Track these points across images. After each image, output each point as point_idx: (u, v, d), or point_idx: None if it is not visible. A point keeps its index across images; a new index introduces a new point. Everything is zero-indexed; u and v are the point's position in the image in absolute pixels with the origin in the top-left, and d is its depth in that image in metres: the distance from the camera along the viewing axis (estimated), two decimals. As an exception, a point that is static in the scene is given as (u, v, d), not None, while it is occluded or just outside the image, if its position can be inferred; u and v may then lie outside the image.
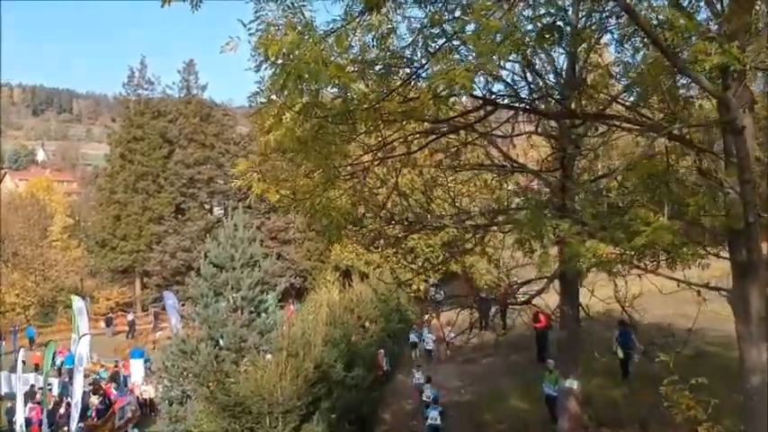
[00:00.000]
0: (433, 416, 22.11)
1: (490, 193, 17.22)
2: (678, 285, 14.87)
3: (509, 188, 16.49)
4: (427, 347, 33.25)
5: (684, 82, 10.54)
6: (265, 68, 7.88)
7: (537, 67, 11.15)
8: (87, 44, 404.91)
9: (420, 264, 42.27)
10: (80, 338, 35.09)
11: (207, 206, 74.03)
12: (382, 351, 28.16)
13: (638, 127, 9.90)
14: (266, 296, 26.90)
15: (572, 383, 17.69)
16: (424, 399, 24.00)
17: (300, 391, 17.41)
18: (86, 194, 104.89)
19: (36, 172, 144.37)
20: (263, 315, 26.28)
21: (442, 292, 46.31)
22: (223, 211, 64.50)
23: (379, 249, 43.60)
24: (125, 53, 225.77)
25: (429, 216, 16.06)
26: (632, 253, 10.08)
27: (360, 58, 8.27)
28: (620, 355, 22.42)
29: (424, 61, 8.02)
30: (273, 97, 8.24)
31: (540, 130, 15.69)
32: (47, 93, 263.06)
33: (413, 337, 33.62)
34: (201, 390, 17.92)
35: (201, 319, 25.61)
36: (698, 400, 9.96)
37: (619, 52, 11.10)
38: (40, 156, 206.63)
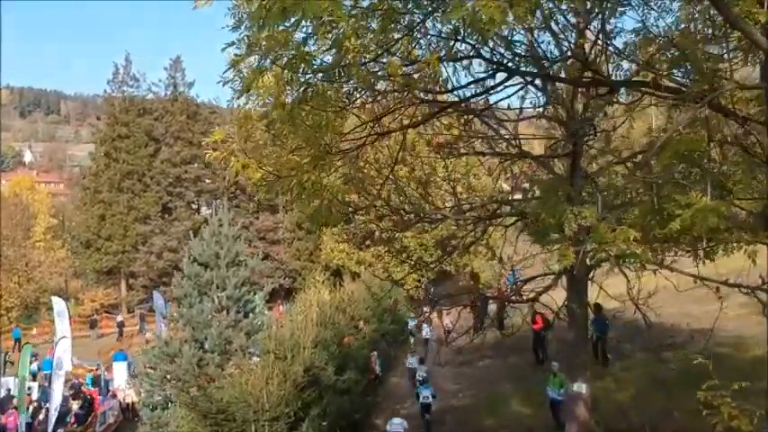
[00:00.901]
0: (425, 394, 23.27)
1: (493, 182, 16.02)
2: (695, 282, 13.86)
3: (515, 174, 15.28)
4: (425, 336, 34.27)
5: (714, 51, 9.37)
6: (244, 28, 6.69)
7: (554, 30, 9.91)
8: (76, 45, 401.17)
9: (413, 263, 40.91)
10: (58, 341, 33.69)
11: (194, 206, 72.81)
12: (375, 353, 26.92)
13: (672, 95, 8.66)
14: (253, 296, 25.59)
15: (580, 387, 16.51)
16: (418, 378, 25.77)
17: (289, 396, 16.09)
18: (73, 195, 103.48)
19: (23, 173, 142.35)
20: (250, 315, 24.95)
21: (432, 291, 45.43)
22: (211, 211, 63.42)
23: (372, 246, 42.60)
24: (118, 53, 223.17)
25: (427, 207, 14.88)
26: (666, 242, 8.91)
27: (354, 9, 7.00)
28: (594, 339, 22.80)
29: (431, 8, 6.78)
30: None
31: (547, 114, 14.57)
32: (35, 94, 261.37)
33: (411, 324, 33.89)
34: (182, 395, 16.56)
35: (185, 319, 24.27)
36: (741, 409, 8.67)
37: (642, 17, 9.91)
38: (28, 157, 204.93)
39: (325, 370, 19.74)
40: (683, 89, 8.65)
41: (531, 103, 14.55)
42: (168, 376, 23.52)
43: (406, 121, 11.79)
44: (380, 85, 8.91)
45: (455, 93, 9.20)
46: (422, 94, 9.32)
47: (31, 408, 30.79)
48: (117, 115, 67.14)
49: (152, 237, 66.24)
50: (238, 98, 7.89)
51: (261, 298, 30.49)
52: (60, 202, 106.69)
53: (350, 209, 8.92)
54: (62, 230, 77.34)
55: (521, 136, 14.89)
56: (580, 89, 12.98)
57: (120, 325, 56.51)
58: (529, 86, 13.35)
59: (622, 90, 11.21)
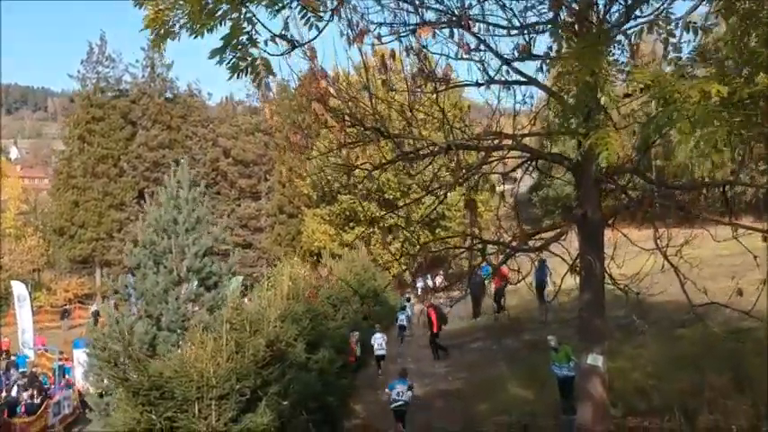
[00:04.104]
0: (401, 318, 32.17)
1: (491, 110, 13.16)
2: (735, 231, 11.82)
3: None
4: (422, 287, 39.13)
5: None
6: None
7: None
8: (63, 43, 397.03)
9: (400, 244, 38.26)
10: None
11: (172, 192, 70.12)
12: (356, 333, 24.11)
13: None
14: (217, 268, 22.66)
15: (596, 360, 13.69)
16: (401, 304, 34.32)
17: (242, 371, 13.20)
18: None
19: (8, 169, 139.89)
20: (213, 290, 22.02)
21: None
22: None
23: (356, 226, 40.11)
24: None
25: (412, 132, 12.08)
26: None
27: None
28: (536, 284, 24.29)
29: None
30: None
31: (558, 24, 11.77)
32: (21, 91, 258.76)
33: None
34: (109, 367, 13.64)
35: (138, 293, 21.38)
36: None
37: None
38: (14, 154, 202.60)
39: (294, 346, 16.85)
40: None
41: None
42: (119, 357, 20.64)
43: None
44: None
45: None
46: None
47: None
48: (90, 96, 64.35)
49: (128, 224, 63.47)
50: None
51: (237, 281, 27.87)
52: (44, 197, 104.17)
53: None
54: (35, 218, 74.35)
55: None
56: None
57: (96, 314, 53.89)
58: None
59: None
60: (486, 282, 29.64)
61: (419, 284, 38.76)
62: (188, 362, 13.03)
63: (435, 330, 25.80)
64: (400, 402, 17.93)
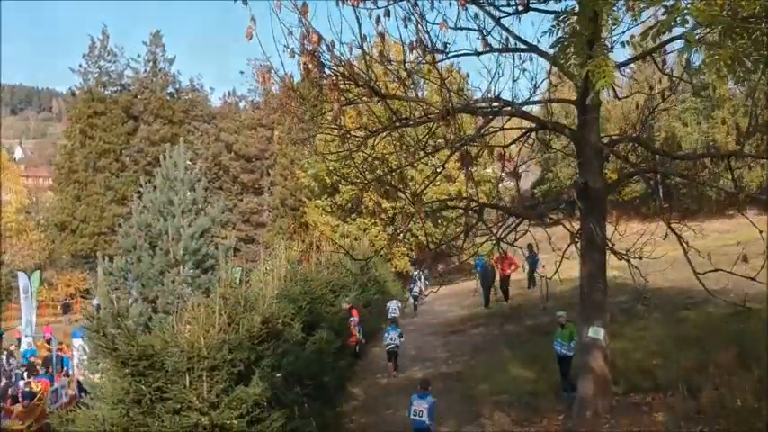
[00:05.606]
0: (415, 290, 36.90)
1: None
2: (742, 201, 11.69)
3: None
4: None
5: None
6: None
7: None
8: (69, 43, 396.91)
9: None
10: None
11: (174, 187, 69.79)
12: (355, 318, 23.73)
13: None
14: (216, 250, 22.27)
15: (597, 333, 13.43)
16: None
17: (234, 342, 12.82)
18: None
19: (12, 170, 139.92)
20: (210, 272, 21.64)
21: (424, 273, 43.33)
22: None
23: (359, 217, 39.74)
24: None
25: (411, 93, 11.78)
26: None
27: None
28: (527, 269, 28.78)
29: None
30: None
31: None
32: (26, 92, 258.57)
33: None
34: (95, 336, 13.25)
35: (134, 275, 21.02)
36: None
37: None
38: (18, 154, 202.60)
39: (291, 326, 16.47)
40: None
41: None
42: (114, 340, 20.27)
43: None
44: None
45: None
46: None
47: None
48: (92, 90, 64.09)
49: (129, 218, 63.13)
50: None
51: (238, 272, 27.48)
52: (49, 196, 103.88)
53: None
54: (36, 213, 74.09)
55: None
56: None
57: (98, 308, 53.56)
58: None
59: None
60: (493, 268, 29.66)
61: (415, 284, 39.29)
62: (179, 333, 12.70)
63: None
64: (393, 345, 21.67)
